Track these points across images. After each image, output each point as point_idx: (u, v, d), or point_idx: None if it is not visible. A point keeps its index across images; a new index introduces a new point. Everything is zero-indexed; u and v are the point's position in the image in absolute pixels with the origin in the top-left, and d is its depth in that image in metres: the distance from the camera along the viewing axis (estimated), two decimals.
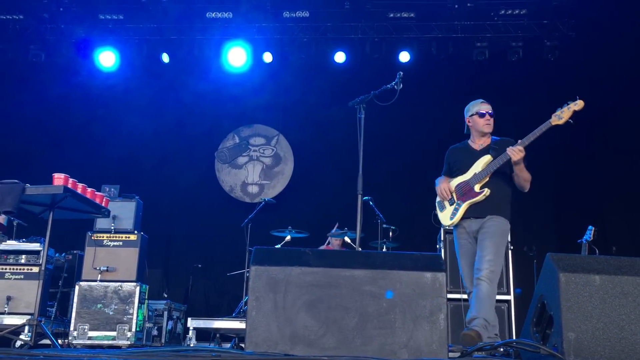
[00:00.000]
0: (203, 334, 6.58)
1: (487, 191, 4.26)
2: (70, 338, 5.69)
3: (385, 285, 2.77)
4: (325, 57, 8.90)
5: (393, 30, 8.74)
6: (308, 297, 2.75)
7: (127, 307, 5.82)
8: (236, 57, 8.89)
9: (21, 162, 8.71)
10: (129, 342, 5.72)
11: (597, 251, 6.21)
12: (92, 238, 6.08)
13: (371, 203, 6.82)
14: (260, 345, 2.69)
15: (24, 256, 6.07)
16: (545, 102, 7.40)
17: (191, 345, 5.74)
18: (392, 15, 8.65)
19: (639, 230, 7.29)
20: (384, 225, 6.93)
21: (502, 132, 4.54)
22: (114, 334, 5.75)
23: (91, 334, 5.73)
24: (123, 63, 9.05)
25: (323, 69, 9.00)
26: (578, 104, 4.10)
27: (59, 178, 4.38)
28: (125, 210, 6.22)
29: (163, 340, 6.55)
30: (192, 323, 5.91)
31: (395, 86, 4.42)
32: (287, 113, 9.37)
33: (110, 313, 5.80)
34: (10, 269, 5.97)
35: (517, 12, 8.42)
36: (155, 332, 6.46)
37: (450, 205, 4.42)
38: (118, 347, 5.65)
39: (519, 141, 4.19)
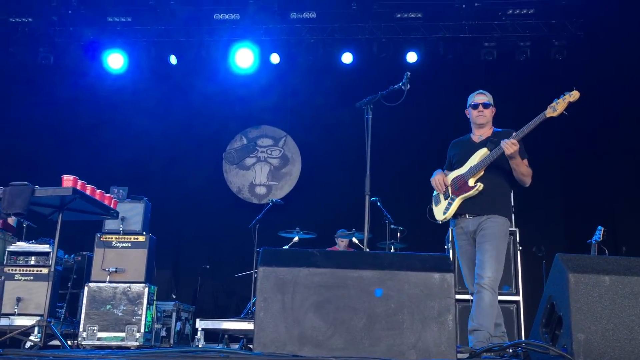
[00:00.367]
0: (211, 335, 6.59)
1: (480, 186, 4.11)
2: (79, 339, 5.71)
3: (393, 286, 2.76)
4: (333, 58, 8.90)
5: (400, 30, 8.72)
6: (316, 298, 2.75)
7: (135, 308, 5.84)
8: (243, 58, 8.91)
9: (30, 163, 8.77)
10: (137, 343, 5.74)
11: (606, 251, 6.17)
12: (101, 239, 6.11)
13: (379, 204, 6.81)
14: (269, 346, 2.69)
15: (33, 257, 6.10)
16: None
17: (199, 346, 5.75)
18: (399, 15, 8.65)
19: None
20: (392, 226, 6.92)
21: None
22: (122, 334, 5.77)
23: (100, 334, 5.75)
24: (131, 65, 9.10)
25: (330, 70, 9.00)
26: (573, 95, 3.96)
27: (68, 180, 4.40)
28: (133, 212, 6.24)
29: (172, 341, 6.57)
30: (200, 324, 5.92)
31: (403, 87, 4.39)
32: (294, 114, 9.38)
33: (119, 314, 5.82)
34: (20, 270, 6.00)
35: (524, 11, 8.39)
36: (163, 333, 6.48)
37: (445, 199, 4.29)
38: (127, 348, 5.67)
39: (513, 134, 4.04)
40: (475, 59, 8.66)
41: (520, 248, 6.06)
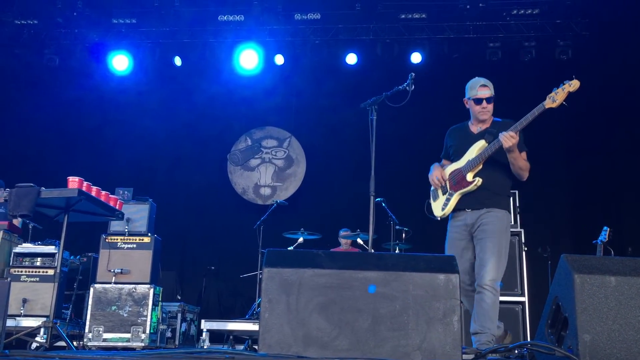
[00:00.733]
0: (216, 336, 6.59)
1: (478, 180, 3.99)
2: (85, 340, 5.73)
3: (398, 287, 2.76)
4: (337, 59, 8.90)
5: (404, 31, 8.72)
6: (321, 299, 2.75)
7: (141, 309, 5.85)
8: (248, 59, 8.92)
9: (36, 165, 8.81)
10: (143, 344, 5.75)
11: (612, 252, 6.14)
12: (107, 240, 6.12)
13: (384, 204, 6.80)
14: (274, 347, 2.69)
15: (39, 259, 6.12)
16: None
17: (204, 347, 5.75)
18: (403, 16, 8.64)
19: None
20: (397, 227, 6.91)
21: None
22: (128, 335, 5.78)
23: (106, 335, 5.77)
24: (136, 66, 9.12)
25: (335, 71, 9.00)
26: (573, 84, 3.75)
27: (73, 181, 4.41)
28: (139, 213, 6.25)
29: (177, 342, 6.58)
30: (205, 325, 5.92)
31: (407, 87, 4.37)
32: (299, 115, 9.39)
33: (125, 315, 5.84)
34: (25, 271, 6.02)
35: (529, 11, 8.38)
36: (169, 334, 6.49)
37: (443, 194, 4.18)
38: (132, 349, 5.69)
39: (511, 126, 3.88)
40: (480, 59, 8.64)
41: (526, 249, 6.03)
